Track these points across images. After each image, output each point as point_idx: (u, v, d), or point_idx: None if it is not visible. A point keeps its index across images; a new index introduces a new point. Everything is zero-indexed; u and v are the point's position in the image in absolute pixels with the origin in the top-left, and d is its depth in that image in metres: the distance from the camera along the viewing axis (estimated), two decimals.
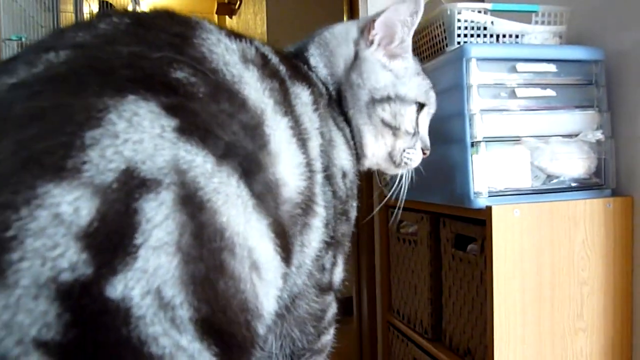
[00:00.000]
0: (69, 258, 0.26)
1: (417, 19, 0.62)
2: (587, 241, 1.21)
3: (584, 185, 1.26)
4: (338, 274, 0.52)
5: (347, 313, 2.37)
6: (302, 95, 0.48)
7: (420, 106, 0.68)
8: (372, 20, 0.59)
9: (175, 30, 0.39)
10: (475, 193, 1.17)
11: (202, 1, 5.39)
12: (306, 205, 0.43)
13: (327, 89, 0.62)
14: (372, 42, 0.60)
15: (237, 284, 0.33)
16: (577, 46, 1.28)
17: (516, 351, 1.16)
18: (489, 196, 1.18)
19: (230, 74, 0.38)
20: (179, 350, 0.28)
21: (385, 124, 0.62)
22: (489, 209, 1.13)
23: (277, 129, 0.40)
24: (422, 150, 0.74)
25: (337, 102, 0.61)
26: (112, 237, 0.28)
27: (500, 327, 1.14)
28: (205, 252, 0.31)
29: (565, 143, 1.24)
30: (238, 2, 4.49)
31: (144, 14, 0.41)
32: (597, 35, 1.31)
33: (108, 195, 0.28)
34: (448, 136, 1.24)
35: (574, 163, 1.25)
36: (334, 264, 0.50)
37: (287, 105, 0.43)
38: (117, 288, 0.27)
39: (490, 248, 1.13)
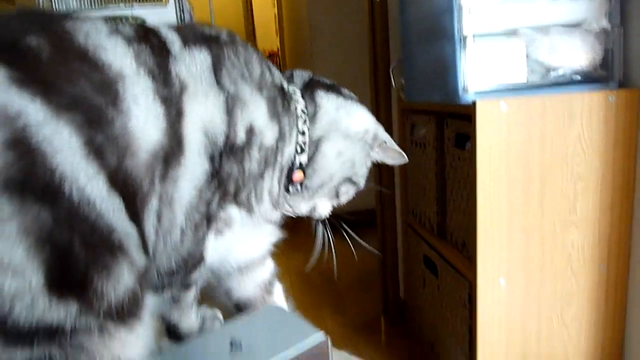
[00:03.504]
0: None
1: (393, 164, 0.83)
2: (583, 136, 1.19)
3: (588, 79, 1.21)
4: (213, 206, 0.58)
5: (369, 225, 2.47)
6: (197, 57, 0.54)
7: None
8: (385, 143, 0.78)
9: (46, 17, 0.47)
10: (463, 89, 1.17)
11: None
12: (167, 151, 0.49)
13: (291, 93, 0.70)
14: (374, 149, 0.78)
15: (72, 208, 0.42)
16: None
17: (502, 243, 1.20)
18: (480, 92, 1.18)
19: (87, 42, 0.45)
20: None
21: (337, 194, 0.77)
22: (474, 104, 1.13)
23: (134, 86, 0.47)
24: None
25: (307, 127, 0.70)
26: None
27: (484, 218, 1.18)
28: (31, 185, 0.39)
29: (567, 33, 1.18)
30: None
31: (22, 12, 0.47)
32: None
33: None
34: (440, 32, 1.23)
35: (577, 55, 1.20)
36: (210, 201, 0.57)
37: (156, 66, 0.50)
38: None
39: (475, 143, 1.15)
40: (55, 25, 0.45)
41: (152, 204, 0.50)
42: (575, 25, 1.18)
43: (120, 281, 0.45)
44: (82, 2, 2.14)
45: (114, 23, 0.51)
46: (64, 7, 2.22)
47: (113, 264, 0.44)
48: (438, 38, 1.27)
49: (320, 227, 0.83)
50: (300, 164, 0.69)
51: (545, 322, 1.27)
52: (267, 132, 0.62)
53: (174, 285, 0.57)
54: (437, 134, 1.46)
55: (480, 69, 1.16)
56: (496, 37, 1.16)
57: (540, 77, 1.20)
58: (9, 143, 0.39)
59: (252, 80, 0.61)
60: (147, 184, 0.48)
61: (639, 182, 1.23)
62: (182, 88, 0.52)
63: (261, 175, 0.64)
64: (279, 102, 0.65)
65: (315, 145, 0.70)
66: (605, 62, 1.20)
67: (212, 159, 0.54)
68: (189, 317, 0.60)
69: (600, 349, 1.32)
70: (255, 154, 0.61)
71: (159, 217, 0.51)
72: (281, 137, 0.65)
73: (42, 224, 0.40)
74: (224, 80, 0.56)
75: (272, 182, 0.66)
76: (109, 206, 0.44)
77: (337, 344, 0.57)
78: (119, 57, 0.47)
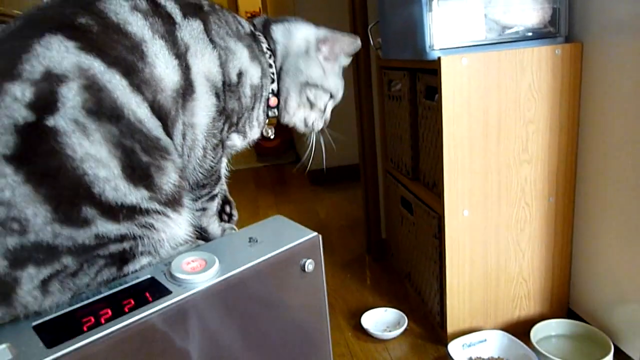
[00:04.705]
0: (22, 114, 0.55)
1: (354, 51, 0.94)
2: (533, 85, 1.37)
3: (539, 35, 1.39)
4: (224, 134, 0.78)
5: (353, 179, 2.67)
6: (193, 25, 0.72)
7: (331, 96, 0.95)
8: (326, 39, 0.90)
9: None
10: (430, 46, 1.34)
11: None
12: (184, 90, 0.68)
13: (258, 37, 0.86)
14: (320, 51, 0.90)
15: (131, 124, 0.61)
16: None
17: (465, 180, 1.41)
18: (445, 48, 1.35)
19: (117, 18, 0.64)
20: (88, 153, 0.57)
21: (308, 100, 0.91)
22: (439, 59, 1.31)
23: (153, 46, 0.65)
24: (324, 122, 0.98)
25: (275, 60, 0.87)
26: (44, 105, 0.55)
27: (449, 158, 1.38)
28: (104, 111, 0.59)
29: None
30: None
31: None
32: None
33: (39, 84, 0.55)
34: None
35: (528, 14, 1.37)
36: (222, 130, 0.77)
37: (166, 33, 0.68)
38: (50, 122, 0.55)
39: (441, 93, 1.33)
40: (95, 7, 0.64)
41: (179, 127, 0.69)
42: None
43: (170, 176, 0.64)
44: None
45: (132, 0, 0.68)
46: None
47: (163, 162, 0.64)
48: (408, 1, 1.43)
49: (312, 135, 1.00)
50: (273, 90, 0.87)
51: (503, 246, 1.49)
52: (253, 73, 0.81)
53: (204, 197, 0.76)
54: (411, 87, 1.64)
55: (444, 29, 1.33)
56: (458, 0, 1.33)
57: (497, 34, 1.38)
58: (86, 86, 0.58)
59: (233, 34, 0.79)
60: (173, 111, 0.67)
61: (583, 124, 1.43)
62: (187, 48, 0.70)
63: (252, 108, 0.83)
64: (255, 47, 0.83)
65: (278, 74, 0.88)
66: (553, 20, 1.38)
67: (217, 96, 0.74)
68: (214, 224, 0.80)
69: (550, 268, 1.55)
70: (247, 92, 0.80)
71: (184, 137, 0.70)
72: (264, 74, 0.83)
73: (113, 135, 0.59)
74: (215, 39, 0.75)
75: (259, 112, 0.85)
76: (153, 124, 0.64)
77: (327, 280, 0.75)
78: (140, 28, 0.65)
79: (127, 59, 0.62)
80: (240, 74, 0.78)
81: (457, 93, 1.33)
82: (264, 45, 0.86)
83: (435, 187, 1.54)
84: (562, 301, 1.59)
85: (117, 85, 0.60)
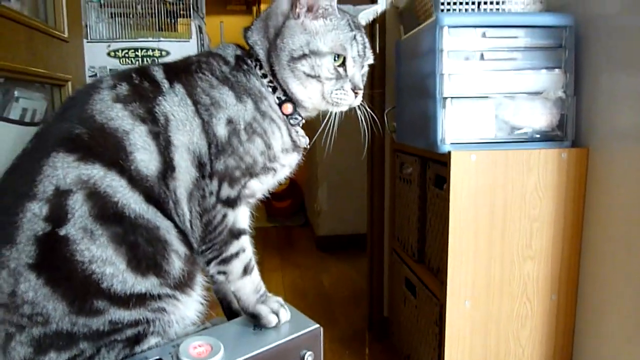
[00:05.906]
0: (40, 226, 0.64)
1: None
2: (539, 185, 1.43)
3: (546, 137, 1.45)
4: (224, 193, 0.74)
5: (360, 249, 2.69)
6: (176, 91, 0.74)
7: (337, 57, 0.79)
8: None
9: (80, 101, 0.72)
10: (441, 140, 1.41)
11: None
12: (165, 168, 0.71)
13: (243, 57, 0.80)
14: (298, 15, 0.77)
15: (132, 222, 0.68)
16: (547, 13, 1.44)
17: (468, 271, 1.43)
18: (455, 143, 1.42)
19: (102, 118, 0.70)
20: (95, 255, 0.64)
21: (307, 75, 0.78)
22: (449, 154, 1.37)
23: (134, 136, 0.69)
24: (353, 90, 0.82)
25: (263, 64, 0.79)
26: (57, 217, 0.64)
27: (454, 248, 1.41)
28: (108, 215, 0.66)
29: (530, 100, 1.43)
30: None
31: (70, 97, 0.75)
32: (571, 2, 1.46)
33: (51, 201, 0.64)
34: (425, 91, 1.47)
35: (537, 117, 1.44)
36: (219, 189, 0.74)
37: (147, 113, 0.71)
38: (62, 232, 0.64)
39: (449, 185, 1.39)
40: (85, 113, 0.70)
41: (170, 203, 0.72)
42: (536, 94, 1.43)
43: (175, 263, 0.70)
44: (114, 34, 2.39)
45: (114, 84, 0.72)
46: (99, 37, 2.44)
47: (165, 253, 0.69)
48: (423, 96, 1.52)
49: (359, 112, 0.87)
50: (279, 98, 0.79)
51: (503, 340, 1.49)
52: (242, 112, 0.75)
53: (214, 260, 0.75)
54: (421, 173, 1.70)
55: (456, 125, 1.40)
56: (470, 99, 1.41)
57: (507, 134, 1.45)
58: (89, 195, 0.66)
59: (218, 81, 0.76)
60: (161, 192, 0.72)
61: (587, 225, 1.46)
62: (167, 120, 0.71)
63: (268, 147, 0.77)
64: (240, 77, 0.77)
65: (275, 74, 0.79)
66: (561, 125, 1.45)
67: (200, 165, 0.72)
68: (263, 305, 0.74)
69: None
70: (243, 136, 0.74)
71: (176, 211, 0.73)
72: (256, 101, 0.77)
73: (117, 234, 0.66)
74: (198, 97, 0.73)
75: (282, 139, 0.79)
76: (151, 214, 0.69)
77: (325, 356, 0.78)
78: (120, 120, 0.70)
79: (117, 159, 0.69)
80: (230, 121, 0.74)
81: (464, 186, 1.39)
82: (251, 62, 0.79)
83: (440, 273, 1.56)
84: None
85: (117, 187, 0.67)
